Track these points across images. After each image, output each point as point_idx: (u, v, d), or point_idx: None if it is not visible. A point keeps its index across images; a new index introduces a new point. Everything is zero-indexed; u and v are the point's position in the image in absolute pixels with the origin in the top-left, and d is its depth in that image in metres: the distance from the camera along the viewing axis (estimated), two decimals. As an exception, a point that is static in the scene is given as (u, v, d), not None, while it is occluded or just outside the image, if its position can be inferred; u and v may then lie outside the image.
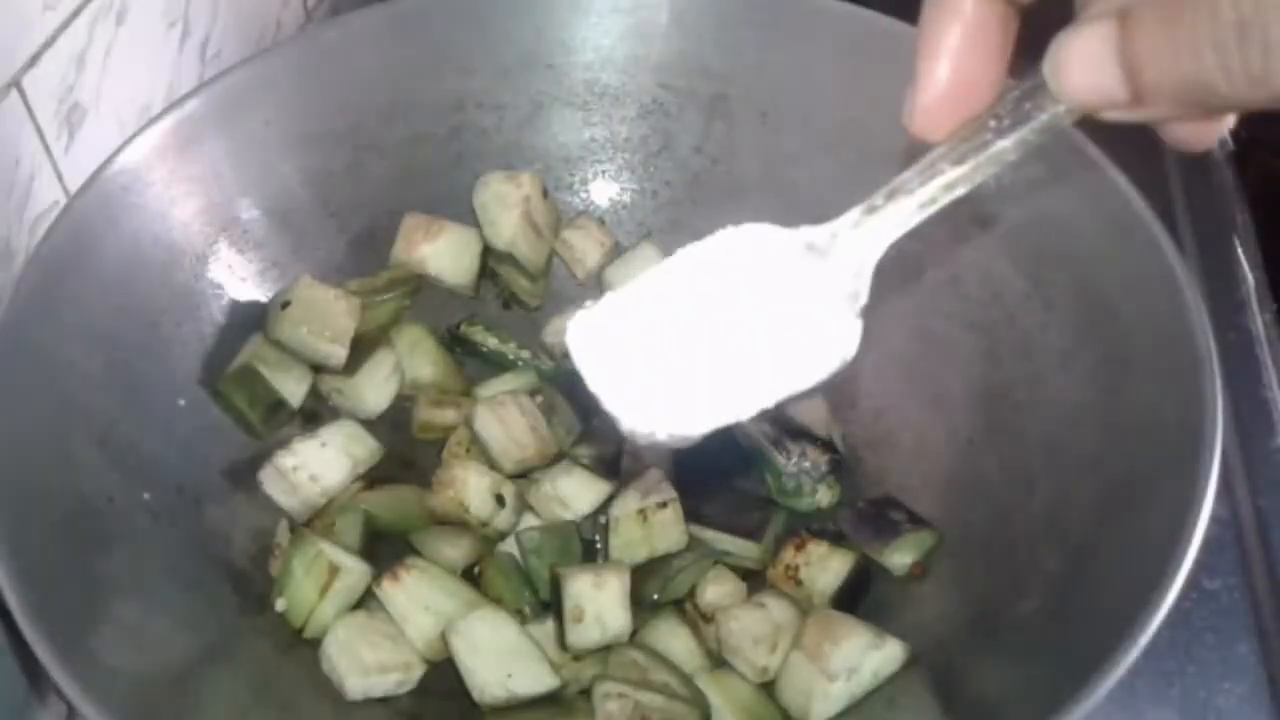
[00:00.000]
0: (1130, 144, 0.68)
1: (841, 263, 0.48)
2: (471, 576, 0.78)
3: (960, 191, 0.46)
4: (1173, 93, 0.39)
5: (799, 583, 0.75)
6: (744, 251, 0.49)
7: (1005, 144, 0.45)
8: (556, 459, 0.82)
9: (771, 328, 0.48)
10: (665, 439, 0.49)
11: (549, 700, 0.71)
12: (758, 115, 0.87)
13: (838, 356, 0.48)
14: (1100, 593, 0.62)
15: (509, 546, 0.79)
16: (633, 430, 0.48)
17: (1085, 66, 0.40)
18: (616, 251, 0.91)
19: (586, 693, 0.71)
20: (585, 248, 0.90)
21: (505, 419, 0.80)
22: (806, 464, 0.81)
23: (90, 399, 0.70)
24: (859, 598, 0.75)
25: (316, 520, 0.78)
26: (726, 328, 0.48)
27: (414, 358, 0.86)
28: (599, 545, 0.79)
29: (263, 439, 0.80)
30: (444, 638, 0.72)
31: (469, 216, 0.88)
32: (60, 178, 0.78)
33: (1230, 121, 0.43)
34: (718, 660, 0.74)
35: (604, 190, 0.92)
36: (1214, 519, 0.58)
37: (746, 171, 0.88)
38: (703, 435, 0.49)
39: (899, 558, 0.76)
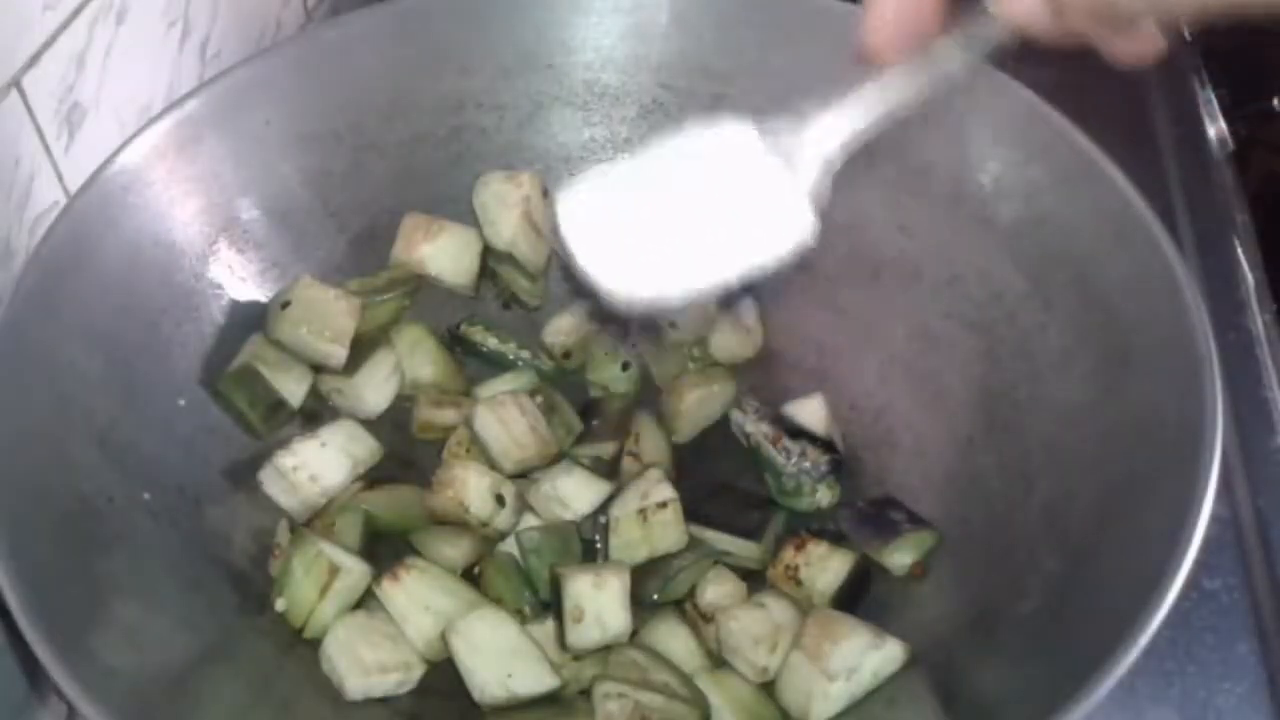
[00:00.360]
0: (1130, 144, 0.68)
1: (802, 159, 0.55)
2: (471, 576, 0.78)
3: (910, 100, 0.55)
4: (1085, 9, 0.51)
5: (799, 583, 0.75)
6: (716, 143, 0.56)
7: (949, 60, 0.54)
8: (556, 459, 0.82)
9: (738, 209, 0.55)
10: (642, 303, 0.54)
11: (549, 700, 0.71)
12: (758, 115, 0.87)
13: (794, 239, 0.55)
14: (1100, 593, 0.62)
15: (509, 546, 0.78)
16: (612, 293, 0.54)
17: None
18: (616, 251, 0.91)
19: (586, 693, 0.71)
20: (585, 248, 0.90)
21: (505, 419, 0.80)
22: (806, 464, 0.81)
23: (90, 399, 0.70)
24: (859, 598, 0.75)
25: (316, 520, 0.78)
26: (699, 208, 0.55)
27: (414, 358, 0.86)
28: (599, 545, 0.79)
29: (263, 439, 0.80)
30: (444, 638, 0.72)
31: (469, 216, 0.88)
32: (60, 178, 0.78)
33: (1163, 43, 0.54)
34: (718, 660, 0.74)
35: (604, 190, 0.92)
36: (1214, 519, 0.58)
37: (746, 171, 0.88)
38: (677, 301, 0.55)
39: (899, 558, 0.76)
